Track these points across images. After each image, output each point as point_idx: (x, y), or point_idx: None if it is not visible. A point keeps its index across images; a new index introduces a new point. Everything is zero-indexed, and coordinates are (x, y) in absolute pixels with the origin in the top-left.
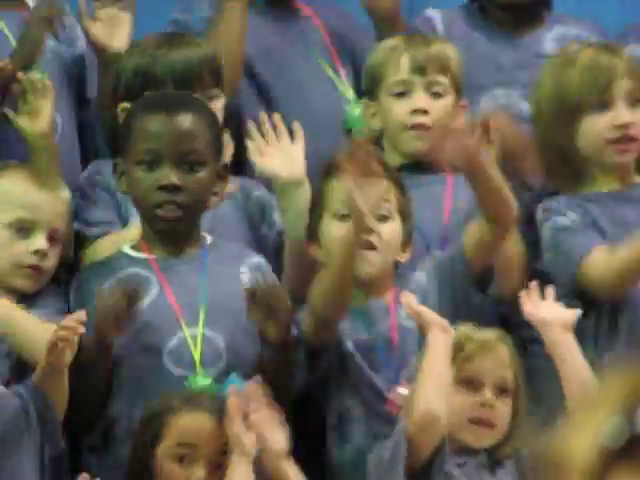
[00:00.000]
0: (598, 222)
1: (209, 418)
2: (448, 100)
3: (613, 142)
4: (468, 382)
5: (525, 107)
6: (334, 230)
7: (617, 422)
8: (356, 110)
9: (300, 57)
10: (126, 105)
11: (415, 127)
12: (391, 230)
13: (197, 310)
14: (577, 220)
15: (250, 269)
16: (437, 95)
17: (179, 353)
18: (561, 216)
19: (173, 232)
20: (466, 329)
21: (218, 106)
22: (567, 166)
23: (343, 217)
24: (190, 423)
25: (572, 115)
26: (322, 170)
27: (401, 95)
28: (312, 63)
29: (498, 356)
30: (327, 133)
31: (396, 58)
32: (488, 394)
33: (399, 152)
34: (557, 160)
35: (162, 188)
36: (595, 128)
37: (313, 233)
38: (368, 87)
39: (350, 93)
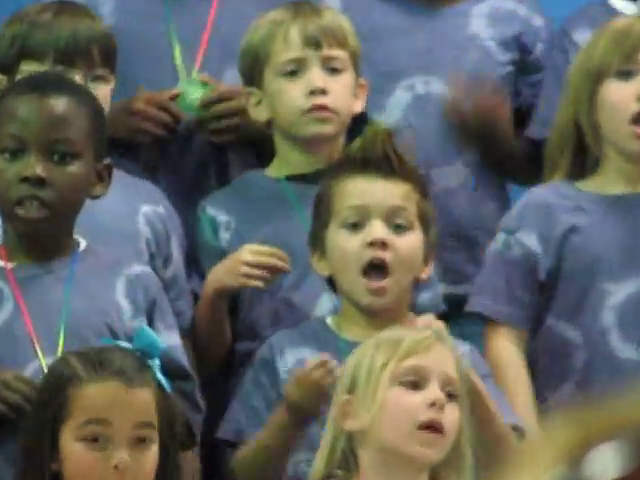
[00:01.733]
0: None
1: (124, 386)
2: (347, 78)
3: (637, 119)
4: (412, 381)
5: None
6: (342, 242)
7: (562, 473)
8: (192, 92)
9: None
10: (2, 77)
11: (315, 110)
12: (409, 244)
13: (57, 334)
14: (520, 253)
15: (128, 283)
16: (335, 72)
17: None
18: (507, 235)
19: (36, 235)
20: (398, 329)
21: (105, 91)
22: (578, 153)
23: (353, 227)
24: (102, 394)
25: (593, 82)
26: (332, 168)
27: (293, 74)
28: None
29: (441, 352)
30: None
31: (283, 32)
32: (436, 391)
33: (296, 143)
34: (569, 146)
35: (24, 180)
36: (616, 97)
37: (316, 242)
38: (248, 71)
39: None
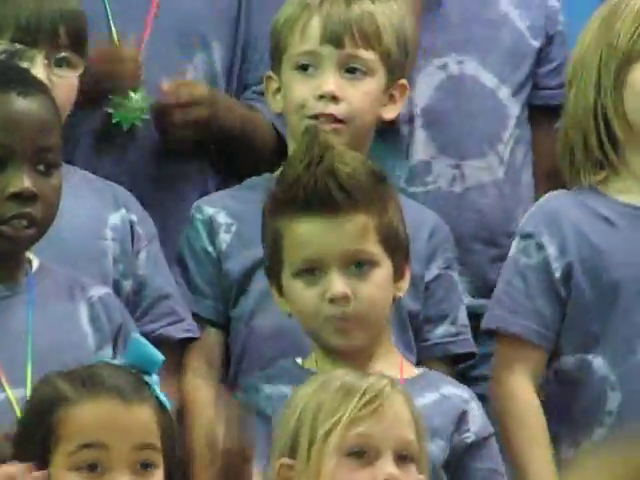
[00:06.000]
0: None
1: (120, 403)
2: (372, 83)
3: None
4: (358, 453)
5: (487, 79)
6: (299, 294)
7: None
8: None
9: None
10: None
11: (317, 118)
12: (375, 283)
13: (24, 364)
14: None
15: (90, 308)
16: (357, 74)
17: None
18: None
19: (9, 255)
20: (345, 375)
21: (71, 78)
22: (600, 150)
23: (309, 277)
24: (96, 414)
25: (619, 66)
26: (272, 202)
27: (305, 69)
28: None
29: (394, 410)
30: None
31: (305, 19)
32: (389, 466)
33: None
34: (590, 139)
35: (14, 197)
36: None
37: (272, 279)
38: (272, 53)
39: None
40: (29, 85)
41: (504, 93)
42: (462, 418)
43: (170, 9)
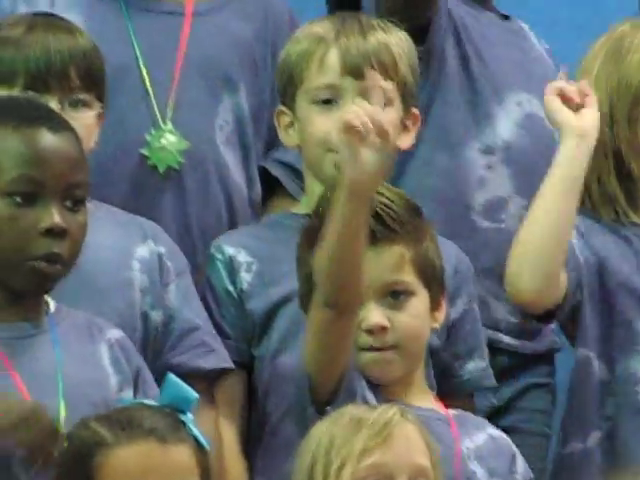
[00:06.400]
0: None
1: (159, 445)
2: (392, 112)
3: None
4: None
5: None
6: None
7: None
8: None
9: None
10: None
11: None
12: (412, 314)
13: (56, 402)
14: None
15: (110, 349)
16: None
17: None
18: None
19: (35, 292)
20: (354, 409)
21: (88, 117)
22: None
23: None
24: (135, 458)
25: (632, 104)
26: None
27: (326, 104)
28: None
29: (406, 437)
30: None
31: (322, 52)
32: None
33: (320, 180)
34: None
35: (47, 233)
36: None
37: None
38: (281, 88)
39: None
40: (57, 121)
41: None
42: (513, 460)
43: (198, 53)
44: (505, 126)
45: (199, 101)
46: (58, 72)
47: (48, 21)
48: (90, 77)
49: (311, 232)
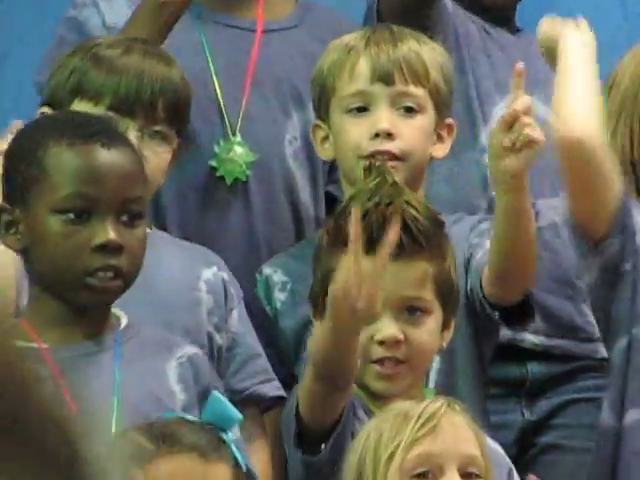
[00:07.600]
0: None
1: (200, 460)
2: (424, 119)
3: None
4: (423, 474)
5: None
6: None
7: None
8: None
9: None
10: (46, 110)
11: (373, 157)
12: (426, 332)
13: (109, 421)
14: None
15: (179, 367)
16: (409, 112)
17: None
18: None
19: (96, 308)
20: (401, 405)
21: (164, 153)
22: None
23: None
24: (174, 471)
25: None
26: (332, 235)
27: (359, 111)
28: None
29: (454, 427)
30: None
31: (352, 61)
32: None
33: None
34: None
35: (100, 249)
36: None
37: (318, 306)
38: (316, 101)
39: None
40: (112, 136)
41: None
42: (510, 474)
43: (268, 68)
44: None
45: (268, 115)
46: (146, 101)
47: (145, 48)
48: (175, 112)
49: (332, 232)
